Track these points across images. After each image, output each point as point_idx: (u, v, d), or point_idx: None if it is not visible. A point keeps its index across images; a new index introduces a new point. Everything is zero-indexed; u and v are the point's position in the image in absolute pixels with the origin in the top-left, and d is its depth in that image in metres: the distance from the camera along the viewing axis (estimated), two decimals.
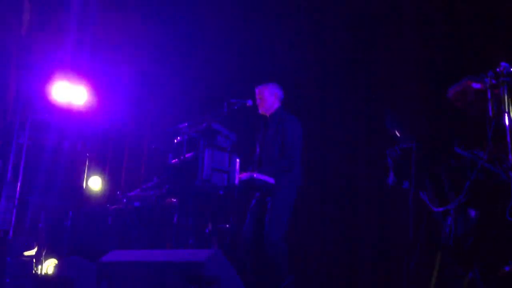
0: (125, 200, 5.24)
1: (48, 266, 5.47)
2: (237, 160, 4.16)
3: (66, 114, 7.31)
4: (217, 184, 4.04)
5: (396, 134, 3.05)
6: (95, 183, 7.18)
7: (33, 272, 5.28)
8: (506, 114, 2.68)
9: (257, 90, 4.65)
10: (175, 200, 4.60)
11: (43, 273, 5.28)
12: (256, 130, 4.74)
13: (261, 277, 4.33)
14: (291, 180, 4.32)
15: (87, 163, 7.20)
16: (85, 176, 7.11)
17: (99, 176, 7.25)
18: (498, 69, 2.74)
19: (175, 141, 4.46)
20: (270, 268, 4.13)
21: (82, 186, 6.99)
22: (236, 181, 4.10)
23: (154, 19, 7.71)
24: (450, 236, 2.87)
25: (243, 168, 4.33)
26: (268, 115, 4.59)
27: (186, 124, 4.37)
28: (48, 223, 6.22)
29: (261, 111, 4.61)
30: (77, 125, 7.44)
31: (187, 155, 4.16)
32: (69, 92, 7.30)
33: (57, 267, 4.54)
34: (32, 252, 5.52)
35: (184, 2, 7.57)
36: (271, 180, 4.14)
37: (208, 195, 4.31)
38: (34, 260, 5.46)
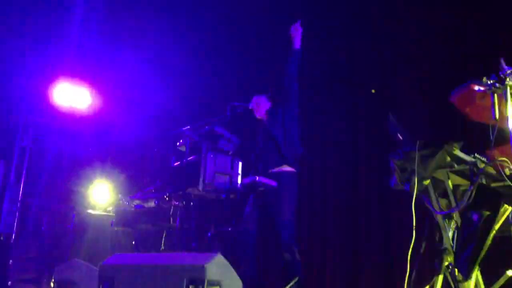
0: (127, 203, 5.24)
1: None
2: (240, 163, 4.16)
3: (69, 116, 7.32)
4: (220, 187, 4.05)
5: (399, 138, 3.04)
6: (100, 188, 7.13)
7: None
8: (509, 118, 2.68)
9: (254, 98, 4.74)
10: (177, 203, 4.60)
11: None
12: (256, 133, 4.76)
13: (264, 280, 4.33)
14: (294, 179, 4.33)
15: (89, 166, 7.20)
16: (88, 179, 7.10)
17: (105, 181, 7.20)
18: (501, 73, 2.74)
19: (178, 144, 4.47)
20: (283, 268, 4.13)
21: (85, 189, 6.98)
22: (239, 185, 4.10)
23: (157, 23, 7.72)
24: (452, 240, 2.86)
25: (245, 171, 4.34)
26: (263, 117, 4.67)
27: (189, 127, 4.38)
28: (50, 226, 6.22)
29: (257, 115, 4.68)
30: (79, 128, 7.44)
31: (190, 158, 4.16)
32: (72, 95, 7.32)
33: (59, 270, 4.53)
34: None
35: (186, 4, 7.59)
36: (273, 183, 4.14)
37: (211, 198, 4.31)
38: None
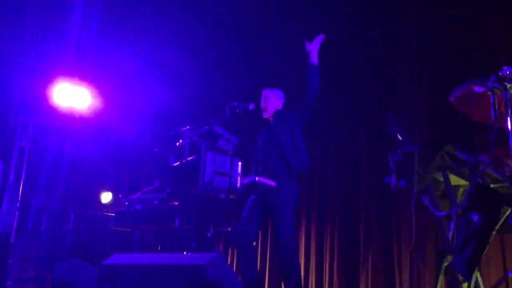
0: (126, 203, 5.24)
1: None
2: (239, 163, 4.15)
3: (69, 117, 7.32)
4: (219, 187, 4.03)
5: (398, 138, 3.04)
6: (100, 188, 7.10)
7: None
8: (508, 118, 2.68)
9: (263, 92, 4.57)
10: (176, 203, 4.59)
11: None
12: (257, 133, 4.70)
13: (264, 280, 4.32)
14: (293, 180, 4.30)
15: (88, 166, 7.20)
16: (87, 179, 7.10)
17: (105, 181, 7.18)
18: (500, 73, 2.73)
19: (177, 144, 4.45)
20: (282, 267, 4.11)
21: (84, 189, 6.99)
22: (238, 185, 4.08)
23: (156, 23, 7.72)
24: (452, 241, 2.86)
25: (244, 171, 4.32)
26: (270, 118, 4.54)
27: (188, 127, 4.36)
28: (49, 226, 6.22)
29: (264, 114, 4.55)
30: (79, 128, 7.44)
31: (189, 158, 4.15)
32: (72, 95, 7.31)
33: (59, 270, 4.53)
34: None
35: (186, 6, 7.59)
36: (272, 183, 4.13)
37: (210, 199, 4.30)
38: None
